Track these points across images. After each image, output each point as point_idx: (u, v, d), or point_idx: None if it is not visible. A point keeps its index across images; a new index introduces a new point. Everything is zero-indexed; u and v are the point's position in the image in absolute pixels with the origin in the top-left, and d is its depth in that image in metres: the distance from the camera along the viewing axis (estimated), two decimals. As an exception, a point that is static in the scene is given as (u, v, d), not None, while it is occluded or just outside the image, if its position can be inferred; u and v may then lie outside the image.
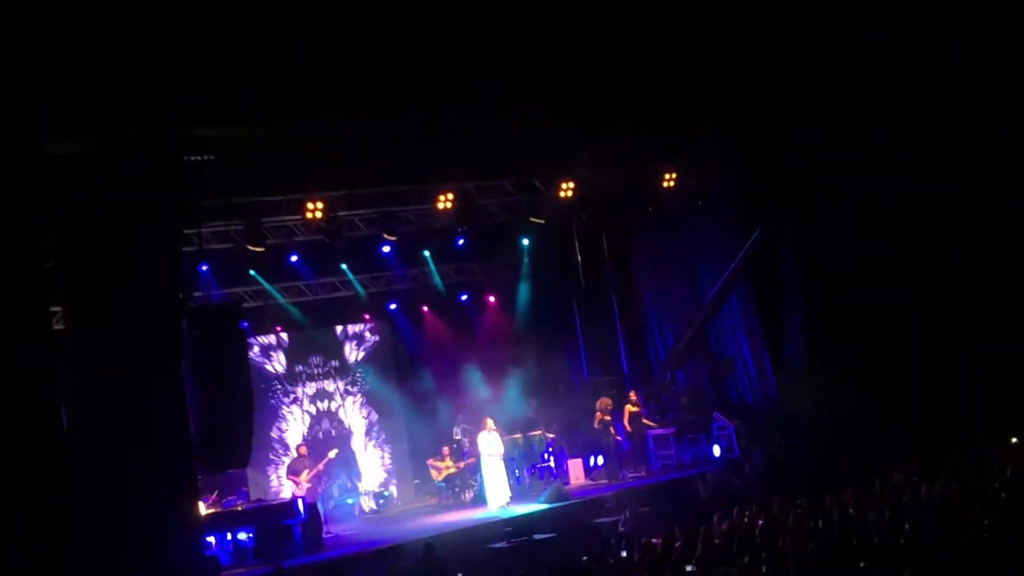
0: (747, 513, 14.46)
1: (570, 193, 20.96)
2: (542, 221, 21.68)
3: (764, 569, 11.04)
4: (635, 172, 21.59)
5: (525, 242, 24.79)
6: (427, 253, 23.95)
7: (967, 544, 11.02)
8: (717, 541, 12.89)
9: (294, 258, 21.57)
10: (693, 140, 20.57)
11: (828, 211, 20.67)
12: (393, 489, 23.81)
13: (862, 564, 10.49)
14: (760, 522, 13.86)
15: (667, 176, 21.66)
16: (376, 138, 17.14)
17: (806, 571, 10.31)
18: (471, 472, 21.77)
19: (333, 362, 24.35)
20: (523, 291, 25.79)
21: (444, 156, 18.45)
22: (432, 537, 17.05)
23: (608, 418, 21.59)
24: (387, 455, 24.41)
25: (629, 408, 22.06)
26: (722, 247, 22.69)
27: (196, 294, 17.98)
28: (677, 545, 12.92)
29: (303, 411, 23.84)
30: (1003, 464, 14.78)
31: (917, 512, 12.69)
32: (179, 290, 14.92)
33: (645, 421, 22.21)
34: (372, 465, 24.22)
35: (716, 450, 21.77)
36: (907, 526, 11.69)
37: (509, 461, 20.86)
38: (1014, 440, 17.35)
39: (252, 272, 21.92)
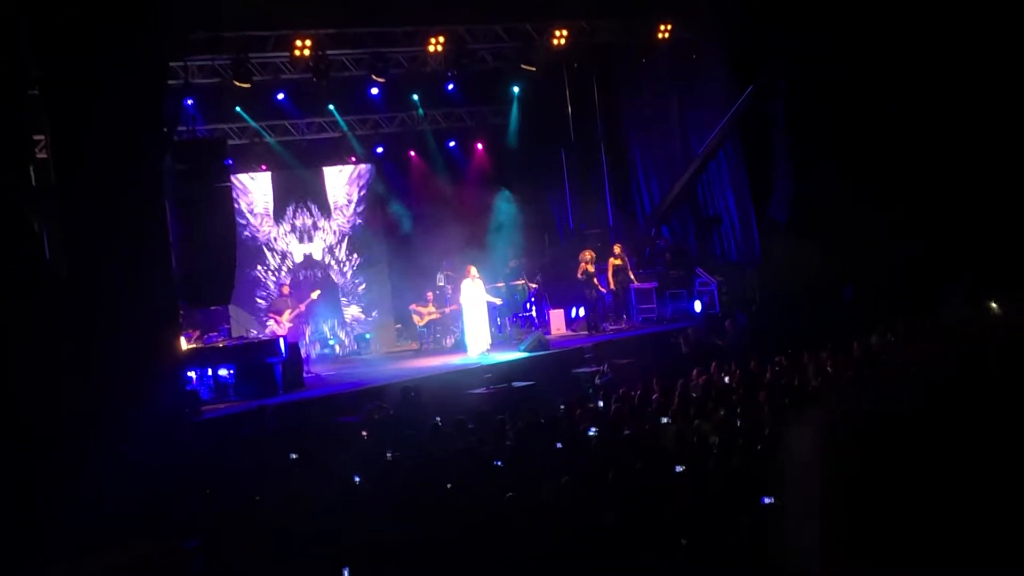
0: (725, 369, 14.61)
1: (563, 41, 20.64)
2: (533, 69, 21.37)
3: (739, 423, 11.18)
4: (629, 22, 21.24)
5: (516, 90, 24.47)
6: (416, 97, 23.65)
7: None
8: (694, 395, 13.05)
9: (281, 96, 21.31)
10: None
11: (820, 71, 20.40)
12: (375, 333, 23.94)
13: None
14: (737, 377, 14.02)
15: (662, 28, 21.32)
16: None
17: (780, 426, 10.43)
18: (453, 319, 21.87)
19: (318, 204, 24.24)
20: (511, 139, 25.55)
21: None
22: (412, 381, 17.24)
23: (592, 269, 21.63)
24: (370, 299, 24.48)
25: (613, 261, 22.06)
26: (713, 103, 22.45)
27: (180, 128, 17.71)
28: (654, 398, 13.08)
29: (286, 251, 23.81)
30: (980, 327, 14.88)
31: (893, 372, 12.82)
32: (163, 124, 14.70)
33: (629, 275, 22.24)
34: (354, 308, 24.32)
35: (697, 306, 21.90)
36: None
37: (491, 309, 20.95)
38: (993, 305, 17.43)
39: (238, 109, 21.64)
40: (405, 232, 24.27)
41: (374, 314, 24.40)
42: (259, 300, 22.84)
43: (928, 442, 1.14)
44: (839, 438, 1.19)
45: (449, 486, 9.75)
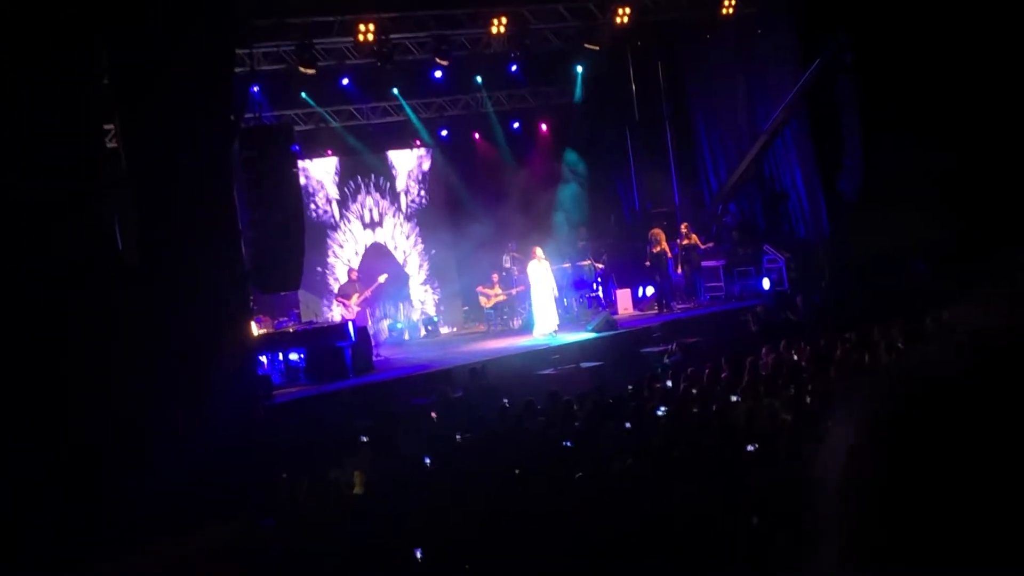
0: (794, 346, 14.49)
1: (626, 19, 20.51)
2: (597, 48, 21.28)
3: (808, 401, 11.09)
4: (693, -2, 21.11)
5: (579, 69, 24.39)
6: (479, 79, 23.67)
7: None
8: (763, 373, 12.96)
9: (345, 81, 21.38)
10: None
11: (888, 43, 20.10)
12: (442, 316, 24.05)
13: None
14: (807, 355, 13.90)
15: (726, 3, 21.10)
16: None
17: (851, 405, 10.33)
18: (520, 300, 21.90)
19: (384, 188, 24.39)
20: (576, 119, 25.49)
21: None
22: (480, 363, 17.30)
23: (666, 248, 21.54)
24: (436, 282, 24.59)
25: (681, 241, 21.97)
26: (780, 78, 22.21)
27: (247, 116, 17.87)
28: (723, 376, 13.01)
29: (354, 236, 23.97)
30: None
31: (971, 349, 12.62)
32: (230, 111, 14.83)
33: (700, 250, 22.10)
34: (421, 291, 24.44)
35: (766, 283, 21.73)
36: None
37: (558, 290, 20.96)
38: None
39: (303, 95, 21.80)
40: (470, 215, 24.30)
41: (441, 297, 24.50)
42: (329, 285, 23.02)
43: (985, 410, 1.10)
44: (884, 417, 1.15)
45: (517, 471, 9.77)
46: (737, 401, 11.49)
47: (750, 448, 9.26)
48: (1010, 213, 18.97)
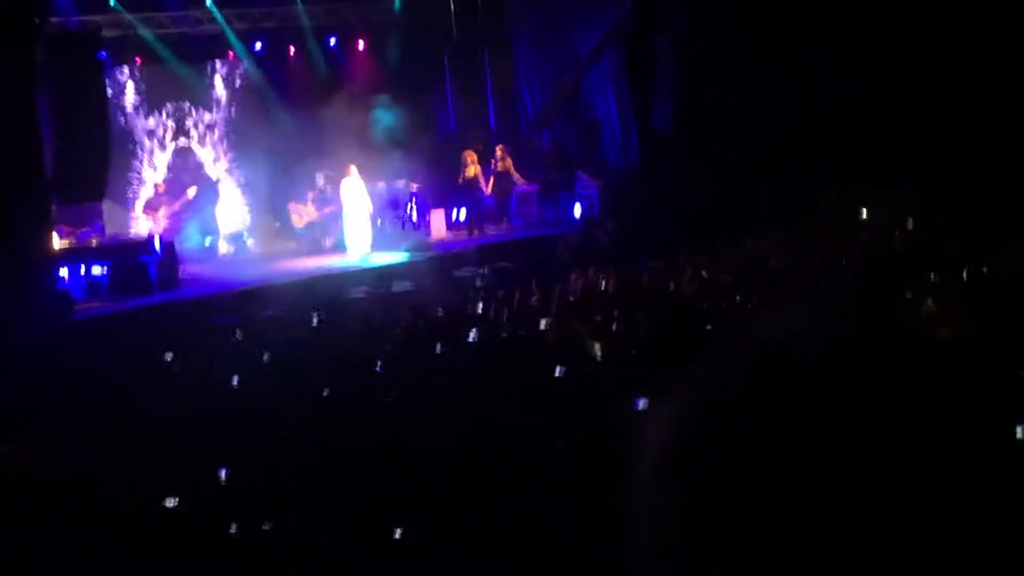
0: (603, 273, 14.78)
1: (448, -63, 20.32)
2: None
3: (615, 327, 11.35)
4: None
5: (399, -13, 24.12)
6: (297, -9, 23.18)
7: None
8: (572, 299, 13.19)
9: (157, -12, 20.63)
10: None
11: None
12: (253, 233, 23.62)
13: (709, 327, 10.84)
14: (614, 282, 14.19)
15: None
16: None
17: (657, 331, 10.62)
18: (333, 219, 21.67)
19: (194, 99, 23.72)
20: (393, 38, 25.21)
21: None
22: (291, 283, 17.12)
23: (478, 172, 21.59)
24: (248, 198, 24.13)
25: (495, 164, 22.05)
26: (599, 9, 22.38)
27: (52, 20, 17.09)
28: (533, 301, 13.19)
29: (163, 148, 23.28)
30: (852, 238, 15.32)
31: (768, 280, 13.13)
32: (34, 15, 14.18)
33: (513, 177, 22.23)
34: (231, 206, 23.94)
35: (578, 210, 22.03)
36: (754, 293, 12.12)
37: (372, 211, 20.83)
38: (864, 214, 17.92)
39: (112, 1, 20.92)
40: (284, 131, 23.82)
41: (252, 214, 24.06)
42: (136, 197, 22.34)
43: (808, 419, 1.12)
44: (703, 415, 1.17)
45: (326, 392, 9.74)
46: (546, 326, 11.66)
47: (558, 372, 9.43)
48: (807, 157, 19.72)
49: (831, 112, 19.69)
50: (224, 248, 22.92)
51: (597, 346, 10.23)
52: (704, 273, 14.00)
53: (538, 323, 11.80)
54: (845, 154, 19.31)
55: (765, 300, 11.46)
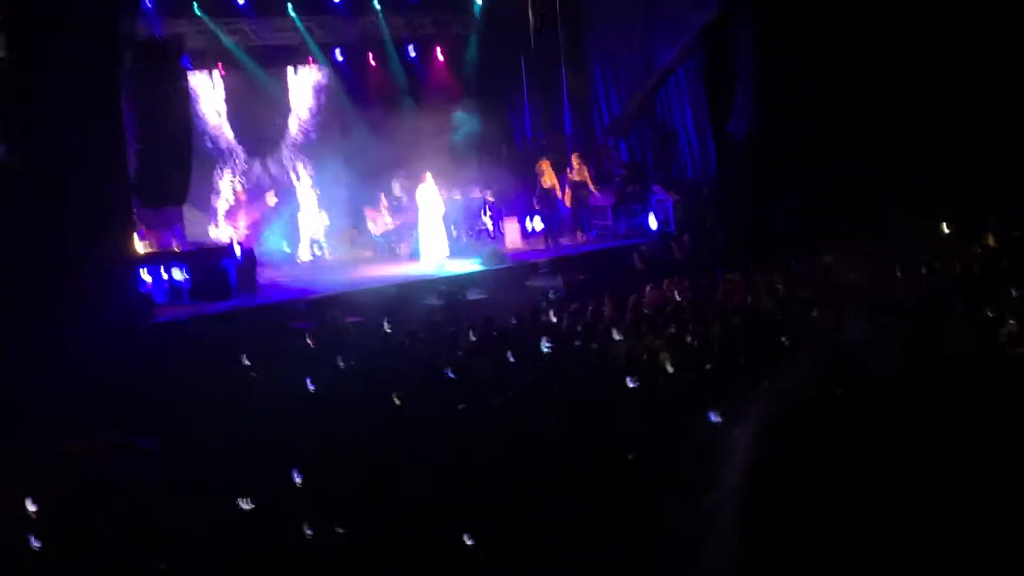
0: (678, 286, 14.74)
1: (527, -51, 20.43)
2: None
3: (689, 340, 11.33)
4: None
5: (478, -1, 24.30)
6: (376, 2, 23.37)
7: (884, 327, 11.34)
8: (646, 311, 13.17)
9: (240, -2, 20.93)
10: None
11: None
12: (330, 240, 23.80)
13: (783, 340, 10.79)
14: (689, 295, 14.16)
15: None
16: None
17: (730, 344, 10.59)
18: (408, 227, 21.81)
19: (275, 107, 24.01)
20: (472, 47, 25.38)
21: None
22: (367, 291, 17.28)
23: (554, 182, 21.61)
24: (325, 205, 24.34)
25: (571, 175, 22.05)
26: (678, 16, 22.32)
27: (138, 28, 17.42)
28: (607, 313, 13.20)
29: (243, 155, 23.61)
30: (931, 253, 15.13)
31: (839, 294, 13.00)
32: (121, 22, 14.47)
33: (588, 188, 22.21)
34: (310, 214, 24.18)
35: (653, 222, 21.93)
36: (830, 307, 12.01)
37: (447, 219, 20.95)
38: (945, 229, 17.72)
39: (196, 8, 21.29)
40: (362, 138, 24.02)
41: (329, 220, 24.27)
42: (217, 203, 22.67)
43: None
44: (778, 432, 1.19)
45: (396, 398, 9.82)
46: (619, 338, 11.67)
47: (631, 384, 9.44)
48: (887, 165, 19.50)
49: (916, 124, 19.47)
50: (302, 254, 23.14)
51: (670, 359, 10.22)
52: (780, 287, 13.92)
53: (611, 335, 11.82)
54: (927, 168, 19.09)
55: (843, 315, 11.37)
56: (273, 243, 22.47)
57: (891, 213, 17.86)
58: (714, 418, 7.60)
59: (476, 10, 24.64)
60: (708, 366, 9.75)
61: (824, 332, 10.89)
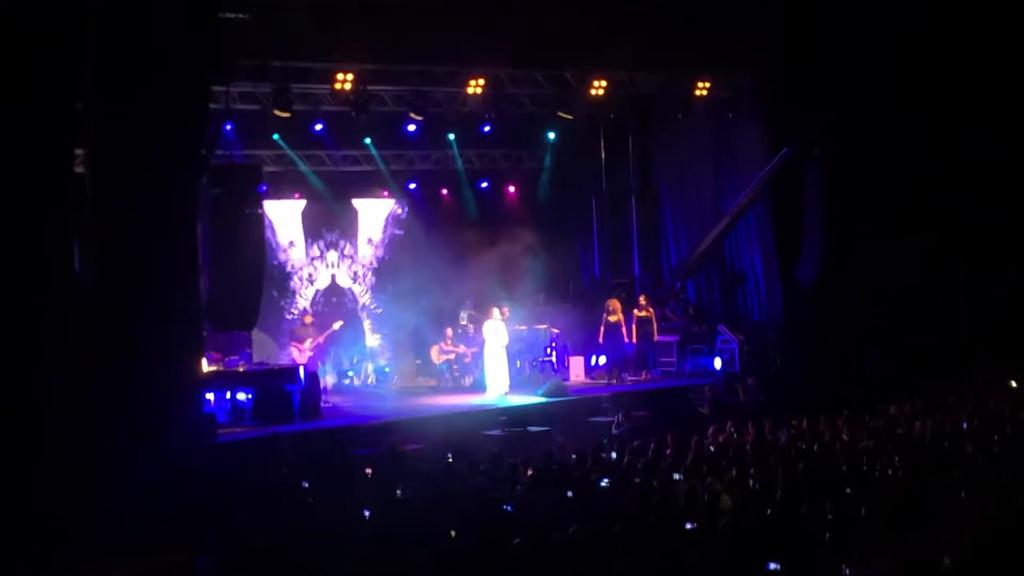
0: (741, 429, 14.59)
1: (601, 91, 20.79)
2: (570, 117, 21.47)
3: (751, 484, 11.16)
4: (669, 76, 21.36)
5: (551, 136, 24.64)
6: (452, 136, 23.85)
7: (953, 482, 11.13)
8: (708, 453, 13.03)
9: (319, 127, 21.40)
10: (733, 53, 20.29)
11: (857, 138, 20.54)
12: (394, 367, 23.93)
13: (848, 490, 10.60)
14: (752, 438, 13.99)
15: (700, 84, 21.39)
16: (411, 8, 17.03)
17: (793, 490, 10.42)
18: (473, 358, 21.90)
19: (347, 235, 24.39)
20: (544, 184, 25.74)
21: (478, 39, 18.29)
22: (429, 419, 17.27)
23: (620, 318, 21.63)
24: (391, 333, 24.52)
25: (638, 313, 22.09)
26: (747, 162, 22.57)
27: (218, 152, 17.87)
28: (668, 452, 13.06)
29: (313, 280, 23.94)
30: (1000, 408, 14.86)
31: (909, 446, 12.79)
32: (201, 146, 14.83)
33: (654, 327, 22.21)
34: (375, 341, 24.38)
35: (718, 363, 21.84)
36: (896, 458, 11.81)
37: (511, 352, 21.00)
38: (1013, 384, 17.44)
39: (276, 137, 21.86)
40: (431, 268, 24.26)
41: (394, 348, 24.42)
42: (284, 327, 22.92)
43: None
44: None
45: (453, 533, 9.74)
46: (679, 479, 11.53)
47: (689, 527, 9.30)
48: (965, 318, 19.33)
49: (979, 270, 19.38)
50: (366, 382, 23.26)
51: (731, 501, 10.08)
52: (844, 436, 13.74)
53: (671, 474, 11.69)
54: (996, 317, 18.91)
55: (906, 469, 11.18)
56: (338, 369, 22.63)
57: (959, 364, 17.68)
58: (772, 566, 7.45)
59: (549, 148, 25.03)
60: (769, 511, 9.58)
61: (887, 488, 10.71)
